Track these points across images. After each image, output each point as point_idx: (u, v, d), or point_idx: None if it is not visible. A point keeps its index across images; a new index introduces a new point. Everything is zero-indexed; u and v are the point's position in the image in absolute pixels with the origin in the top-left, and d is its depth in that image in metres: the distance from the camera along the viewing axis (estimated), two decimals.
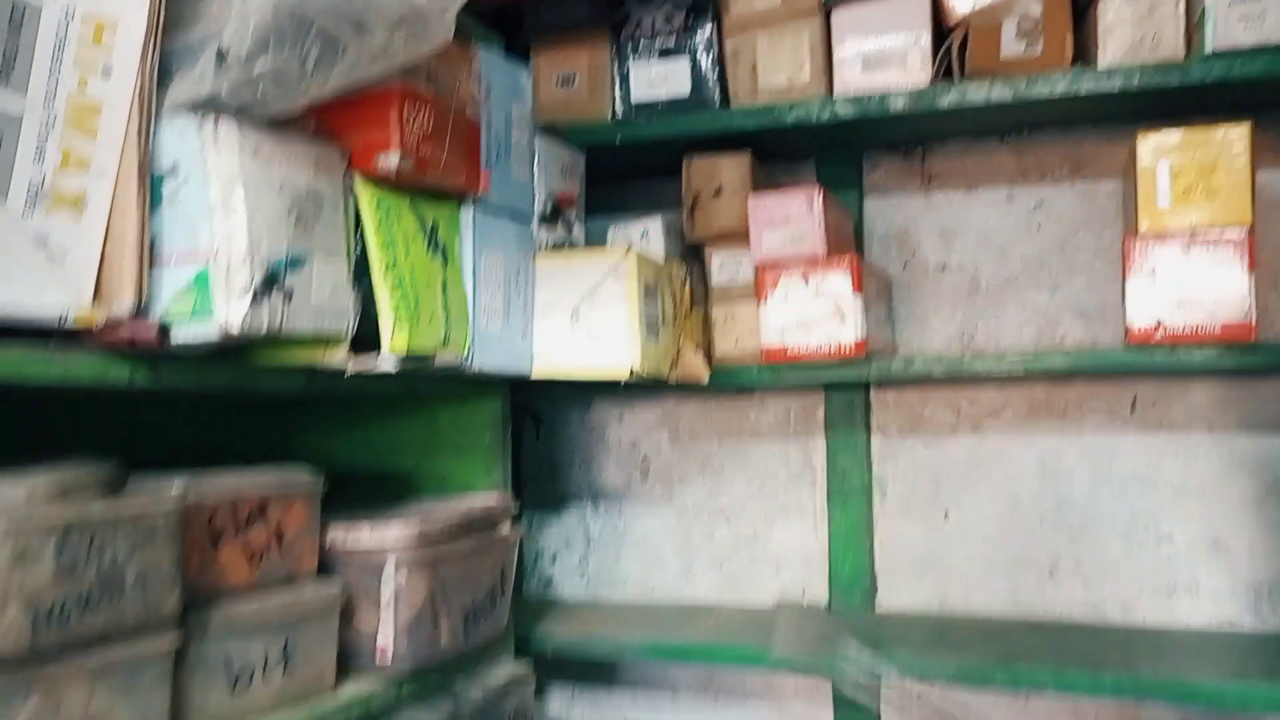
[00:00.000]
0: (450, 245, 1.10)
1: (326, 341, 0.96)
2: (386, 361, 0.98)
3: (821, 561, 1.71)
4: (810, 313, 1.39)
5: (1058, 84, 1.32)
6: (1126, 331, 1.26)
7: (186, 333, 0.85)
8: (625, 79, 1.54)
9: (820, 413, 1.71)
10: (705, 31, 1.49)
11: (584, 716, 1.89)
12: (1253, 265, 1.20)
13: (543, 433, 1.93)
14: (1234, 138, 1.22)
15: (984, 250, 1.61)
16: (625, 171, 1.75)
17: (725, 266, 1.52)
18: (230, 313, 0.83)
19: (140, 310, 0.84)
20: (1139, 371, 1.39)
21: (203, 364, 0.94)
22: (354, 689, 1.14)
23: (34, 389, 0.85)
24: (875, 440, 1.68)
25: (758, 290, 1.41)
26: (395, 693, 1.18)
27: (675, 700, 1.83)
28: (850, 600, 1.68)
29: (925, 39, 1.38)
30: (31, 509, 0.77)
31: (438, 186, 1.09)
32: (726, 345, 1.52)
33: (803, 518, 1.73)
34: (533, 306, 1.26)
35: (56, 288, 0.79)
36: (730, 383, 1.49)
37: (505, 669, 1.36)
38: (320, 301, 0.92)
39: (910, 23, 1.39)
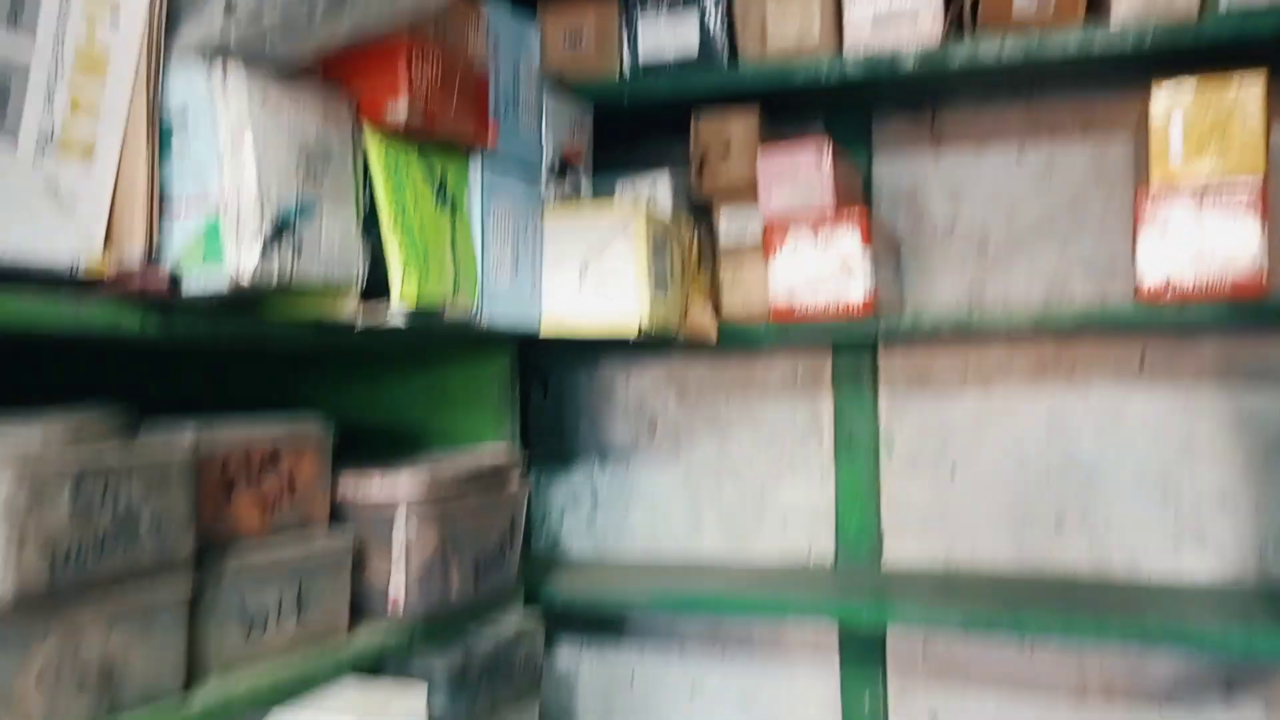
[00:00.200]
0: (459, 198, 1.10)
1: (336, 293, 0.97)
2: (396, 313, 0.99)
3: (828, 517, 1.73)
4: (819, 269, 1.38)
5: (1070, 42, 1.31)
6: (1136, 289, 1.25)
7: (197, 282, 0.85)
8: (633, 37, 1.52)
9: (828, 370, 1.72)
10: None
11: (592, 670, 1.92)
12: (1266, 217, 1.19)
13: (550, 392, 1.94)
14: (1248, 89, 1.21)
15: (993, 209, 1.61)
16: (632, 131, 1.74)
17: (733, 224, 1.52)
18: (241, 261, 0.84)
19: (151, 259, 0.84)
20: (1148, 328, 1.39)
21: (213, 315, 0.95)
22: (367, 636, 1.16)
23: (47, 338, 0.86)
24: (883, 397, 1.68)
25: (766, 247, 1.41)
26: (407, 640, 1.19)
27: (683, 653, 1.85)
28: (857, 555, 1.69)
29: None
30: (47, 452, 0.78)
31: (446, 138, 1.09)
32: (734, 304, 1.52)
33: (810, 474, 1.74)
34: (541, 262, 1.26)
35: (67, 235, 0.80)
36: (738, 341, 1.49)
37: (515, 619, 1.37)
38: (330, 251, 0.93)
39: None
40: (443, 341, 1.30)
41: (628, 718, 1.88)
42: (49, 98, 0.80)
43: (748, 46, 1.48)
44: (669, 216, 1.36)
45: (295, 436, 1.09)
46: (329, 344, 1.09)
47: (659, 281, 1.26)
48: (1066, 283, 1.57)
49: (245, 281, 0.83)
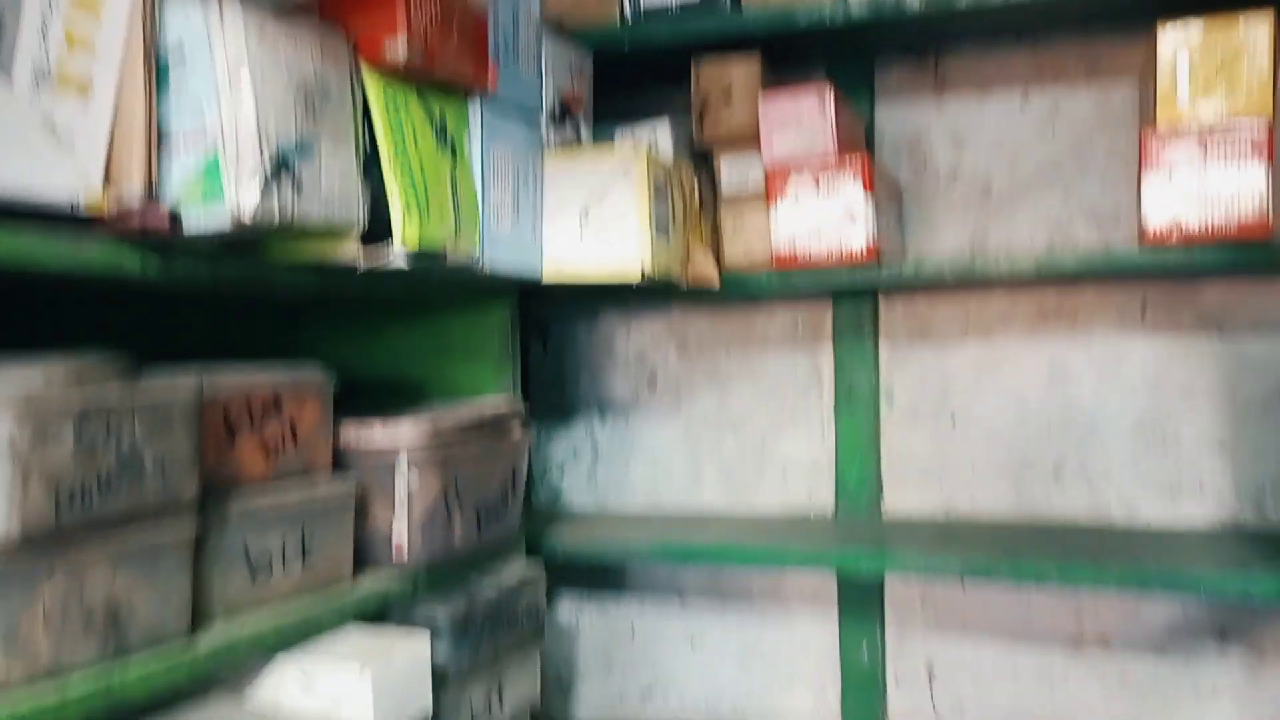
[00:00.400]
0: (459, 140, 1.09)
1: (338, 234, 0.96)
2: (398, 255, 0.98)
3: (828, 469, 1.73)
4: (821, 216, 1.38)
5: None
6: (1141, 232, 1.25)
7: (198, 220, 0.84)
8: None
9: (828, 321, 1.71)
10: None
11: (593, 623, 1.93)
12: (1272, 159, 1.18)
13: (550, 346, 1.94)
14: (1256, 29, 1.19)
15: (996, 155, 1.60)
16: (633, 78, 1.71)
17: (734, 172, 1.50)
18: (241, 198, 0.83)
19: (151, 197, 0.83)
20: (1151, 273, 1.38)
21: (214, 257, 0.94)
22: (370, 583, 1.16)
23: (47, 278, 0.85)
24: (883, 348, 1.68)
25: (768, 193, 1.40)
26: (411, 587, 1.20)
27: (683, 606, 1.86)
28: (856, 506, 1.70)
29: None
30: (49, 391, 0.78)
31: (445, 80, 1.07)
32: (735, 253, 1.51)
33: (810, 426, 1.74)
34: (542, 208, 1.25)
35: (65, 172, 0.79)
36: (740, 291, 1.48)
37: (518, 569, 1.38)
38: (330, 191, 0.92)
39: None
40: (443, 289, 1.29)
41: (628, 670, 1.90)
42: (44, 33, 0.78)
43: None
44: (670, 162, 1.35)
45: (297, 383, 1.09)
46: (330, 289, 1.08)
47: (661, 227, 1.25)
48: (1070, 230, 1.56)
49: (247, 219, 0.82)
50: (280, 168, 0.85)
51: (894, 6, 1.36)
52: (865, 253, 1.36)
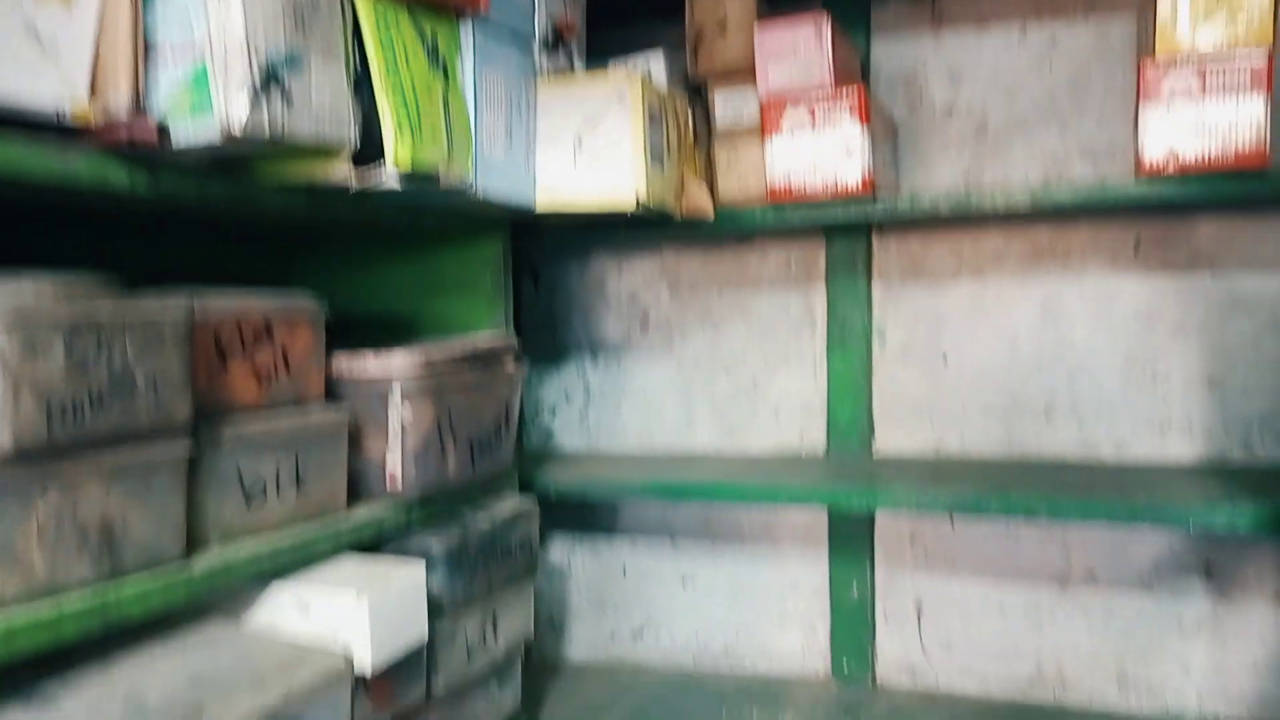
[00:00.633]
0: (451, 62, 1.07)
1: (328, 153, 0.94)
2: (391, 175, 0.97)
3: (820, 408, 1.73)
4: (816, 149, 1.36)
5: None
6: (1137, 163, 1.24)
7: (187, 133, 0.83)
8: None
9: (821, 260, 1.71)
10: None
11: (585, 563, 1.94)
12: (1270, 90, 1.18)
13: (541, 286, 1.92)
14: None
15: (993, 90, 1.58)
16: (626, 10, 1.69)
17: (729, 106, 1.49)
18: (230, 110, 0.81)
19: (138, 109, 0.81)
20: (1146, 207, 1.38)
21: (203, 175, 0.93)
22: (365, 512, 1.16)
23: (33, 188, 0.83)
24: (876, 287, 1.68)
25: (763, 126, 1.39)
26: (405, 517, 1.20)
27: (674, 546, 1.87)
28: (848, 446, 1.70)
29: None
30: (39, 305, 0.77)
31: None
32: (730, 188, 1.50)
33: (802, 366, 1.74)
34: (535, 136, 1.23)
35: (50, 81, 0.77)
36: (733, 225, 1.47)
37: (511, 502, 1.38)
38: (320, 107, 0.90)
39: None
40: (435, 218, 1.27)
41: (620, 610, 1.91)
42: None
43: None
44: (665, 90, 1.33)
45: (288, 310, 1.08)
46: (320, 213, 1.06)
47: (655, 155, 1.24)
48: (1066, 166, 1.55)
49: (237, 130, 0.80)
50: (269, 80, 0.83)
51: None
52: (861, 185, 1.35)
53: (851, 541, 1.72)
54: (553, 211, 1.25)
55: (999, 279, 1.61)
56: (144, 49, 0.82)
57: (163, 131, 0.82)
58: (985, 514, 1.35)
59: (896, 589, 1.72)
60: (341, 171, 0.96)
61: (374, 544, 1.19)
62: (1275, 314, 1.46)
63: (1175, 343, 1.52)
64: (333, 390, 1.16)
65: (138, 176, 0.85)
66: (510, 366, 1.34)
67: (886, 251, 1.67)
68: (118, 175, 0.84)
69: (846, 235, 1.66)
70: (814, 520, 1.76)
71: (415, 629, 1.11)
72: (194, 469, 0.94)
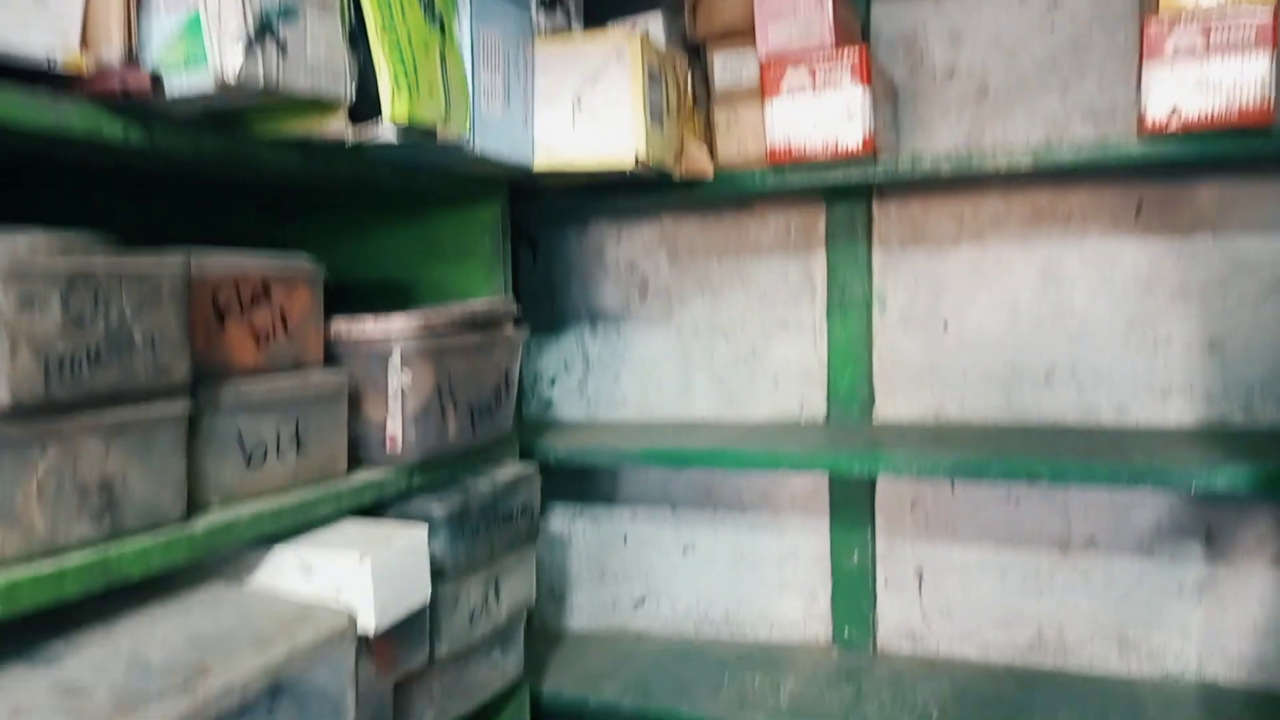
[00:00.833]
0: (448, 18, 1.06)
1: (324, 108, 0.93)
2: (387, 130, 0.95)
3: (820, 375, 1.73)
4: (816, 109, 1.35)
5: None
6: (1140, 122, 1.23)
7: (181, 83, 0.81)
8: None
9: (821, 226, 1.70)
10: None
11: (585, 533, 1.94)
12: (1275, 46, 1.16)
13: (539, 254, 1.91)
14: None
15: (994, 52, 1.57)
16: None
17: (728, 67, 1.47)
18: (224, 60, 0.80)
19: (131, 59, 0.80)
20: (1148, 166, 1.37)
21: (198, 129, 0.91)
22: (366, 475, 1.15)
23: (25, 142, 0.82)
24: (876, 252, 1.67)
25: (763, 87, 1.37)
26: (406, 482, 1.19)
27: (674, 515, 1.87)
28: (848, 413, 1.70)
29: None
30: (35, 258, 0.75)
31: None
32: (729, 150, 1.48)
33: (802, 333, 1.74)
34: (533, 95, 1.22)
35: (42, 28, 0.75)
36: (733, 187, 1.46)
37: (513, 468, 1.37)
38: (316, 59, 0.88)
39: None
40: (432, 179, 1.26)
41: (621, 579, 1.92)
42: None
43: None
44: (664, 48, 1.32)
45: (286, 270, 1.07)
46: (316, 170, 1.05)
47: (655, 113, 1.22)
48: (1067, 129, 1.54)
49: (231, 80, 0.79)
50: (264, 30, 0.82)
51: None
52: (862, 146, 1.34)
53: (852, 508, 1.72)
54: (551, 171, 1.24)
55: (999, 243, 1.60)
56: None
57: (156, 82, 0.81)
58: (987, 478, 1.34)
59: (897, 555, 1.72)
60: (338, 126, 0.94)
61: (375, 508, 1.18)
62: (1277, 276, 1.46)
63: (1176, 306, 1.51)
64: (331, 354, 1.15)
65: (132, 129, 0.84)
66: (510, 331, 1.33)
67: (887, 217, 1.66)
68: (111, 127, 0.82)
69: (846, 200, 1.65)
70: (814, 487, 1.76)
71: (418, 591, 1.11)
72: (194, 429, 0.93)
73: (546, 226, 1.90)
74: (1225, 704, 1.46)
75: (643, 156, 1.20)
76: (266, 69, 0.82)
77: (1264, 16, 1.17)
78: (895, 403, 1.69)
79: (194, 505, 0.94)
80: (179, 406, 0.89)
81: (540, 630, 1.92)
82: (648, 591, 1.90)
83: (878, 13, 1.61)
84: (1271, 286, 1.46)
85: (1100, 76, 1.51)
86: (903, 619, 1.72)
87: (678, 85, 1.33)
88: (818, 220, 1.70)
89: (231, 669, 0.82)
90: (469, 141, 1.09)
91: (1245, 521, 1.51)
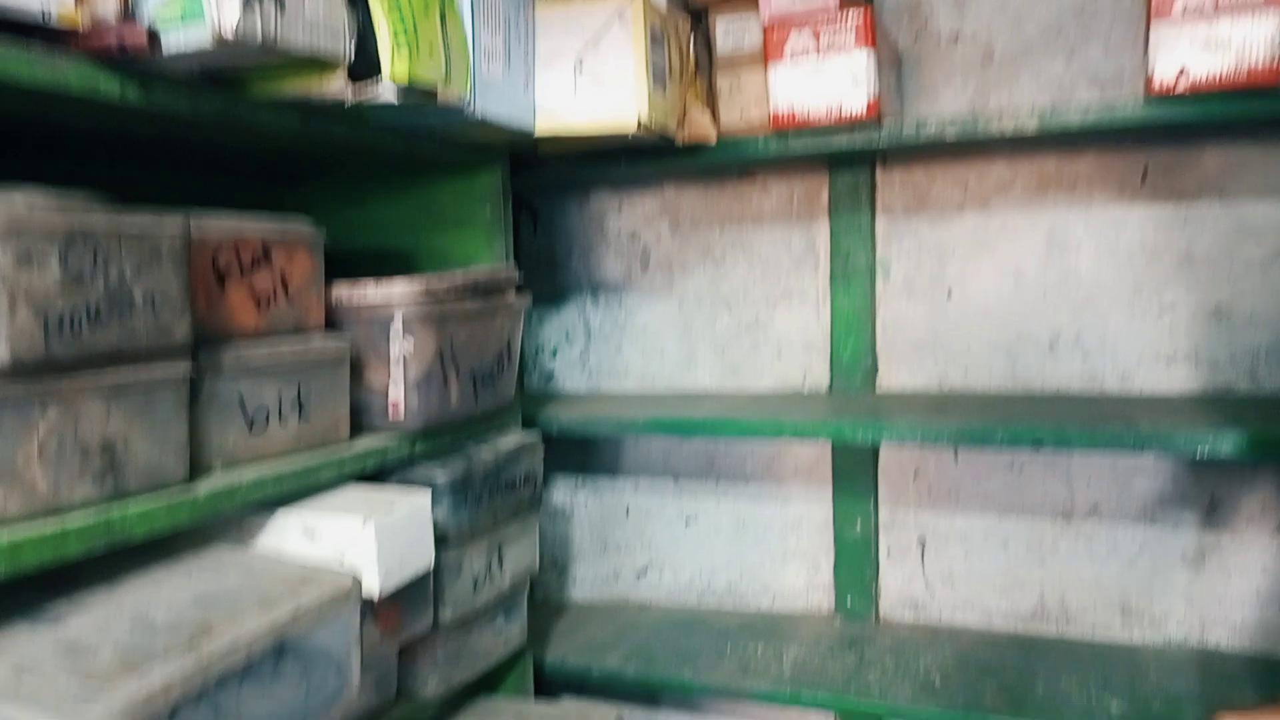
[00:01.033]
0: None
1: (323, 66, 0.92)
2: (387, 89, 0.94)
3: (823, 345, 1.72)
4: (820, 74, 1.34)
5: None
6: (1147, 84, 1.22)
7: (178, 39, 0.80)
8: None
9: (824, 195, 1.69)
10: None
11: (588, 504, 1.94)
12: None
13: (540, 225, 1.90)
14: None
15: (999, 17, 1.55)
16: None
17: (731, 33, 1.46)
18: (222, 15, 0.79)
19: (127, 14, 0.79)
20: (1155, 128, 1.36)
21: (196, 88, 0.90)
22: (369, 441, 1.15)
23: (21, 99, 0.81)
24: (880, 221, 1.66)
25: (766, 51, 1.36)
26: (408, 448, 1.19)
27: (677, 485, 1.87)
28: (851, 382, 1.69)
29: None
30: (32, 214, 0.75)
31: None
32: (732, 117, 1.47)
33: (805, 302, 1.73)
34: (534, 57, 1.20)
35: None
36: (735, 154, 1.44)
37: (515, 436, 1.37)
38: (314, 16, 0.87)
39: None
40: (432, 143, 1.25)
41: (624, 550, 1.92)
42: None
43: None
44: (665, 10, 1.30)
45: (286, 234, 1.06)
46: (315, 132, 1.04)
47: (657, 76, 1.21)
48: (1072, 94, 1.52)
49: (229, 34, 0.78)
50: None
51: None
52: (866, 109, 1.32)
53: (855, 478, 1.72)
54: (552, 135, 1.23)
55: (1004, 210, 1.59)
56: None
57: (153, 38, 0.80)
58: (991, 444, 1.34)
59: (900, 524, 1.72)
60: (337, 85, 0.93)
61: (377, 474, 1.18)
62: None
63: (1182, 272, 1.50)
64: (332, 320, 1.15)
65: (129, 87, 0.83)
66: (511, 298, 1.32)
67: (890, 184, 1.65)
68: (109, 85, 0.81)
69: (850, 168, 1.64)
70: (817, 457, 1.76)
71: (422, 555, 1.10)
72: (195, 392, 0.93)
73: (547, 197, 1.89)
74: (1227, 670, 1.46)
75: (645, 120, 1.19)
76: (264, 24, 0.81)
77: None
78: (899, 372, 1.69)
79: (196, 468, 0.94)
80: (180, 368, 0.89)
81: (543, 601, 1.92)
82: (650, 562, 1.90)
83: None
84: (1278, 252, 1.45)
85: (1106, 42, 1.50)
86: (905, 588, 1.73)
87: (680, 48, 1.32)
88: (821, 188, 1.69)
89: (236, 628, 0.82)
90: (469, 104, 1.08)
91: (1247, 489, 1.50)
